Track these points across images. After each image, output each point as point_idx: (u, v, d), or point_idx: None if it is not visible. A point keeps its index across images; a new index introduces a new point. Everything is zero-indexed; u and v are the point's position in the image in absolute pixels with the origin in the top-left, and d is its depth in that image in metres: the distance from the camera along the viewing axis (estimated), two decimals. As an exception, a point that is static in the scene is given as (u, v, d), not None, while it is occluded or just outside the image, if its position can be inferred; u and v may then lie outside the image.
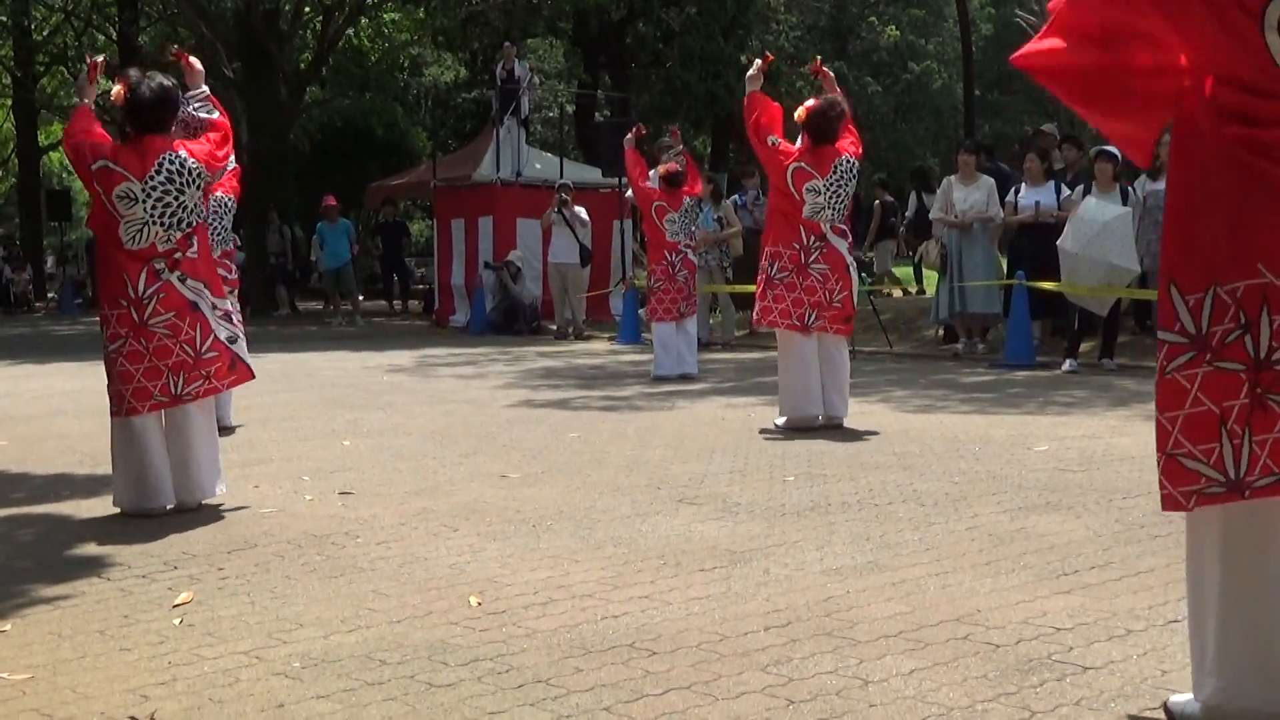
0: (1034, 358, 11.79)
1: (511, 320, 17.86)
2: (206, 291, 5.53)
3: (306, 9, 24.68)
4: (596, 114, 31.45)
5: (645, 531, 4.97)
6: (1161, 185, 10.99)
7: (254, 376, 5.91)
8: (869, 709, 3.04)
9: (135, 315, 5.36)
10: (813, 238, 7.79)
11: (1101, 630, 3.57)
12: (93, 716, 3.12)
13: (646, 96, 31.14)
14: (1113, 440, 7.11)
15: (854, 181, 7.97)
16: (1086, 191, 11.37)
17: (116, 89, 5.45)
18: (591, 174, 20.20)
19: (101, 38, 32.98)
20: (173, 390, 5.41)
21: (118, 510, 5.53)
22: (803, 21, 44.03)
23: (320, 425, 8.43)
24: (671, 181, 11.52)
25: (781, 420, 7.82)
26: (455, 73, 36.77)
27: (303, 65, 25.83)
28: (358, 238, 23.32)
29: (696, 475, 6.23)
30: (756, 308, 8.07)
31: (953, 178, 13.28)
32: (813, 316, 7.73)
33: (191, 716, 3.10)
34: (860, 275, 14.63)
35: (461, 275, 19.59)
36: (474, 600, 4.02)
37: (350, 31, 26.65)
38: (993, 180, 13.20)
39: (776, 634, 3.60)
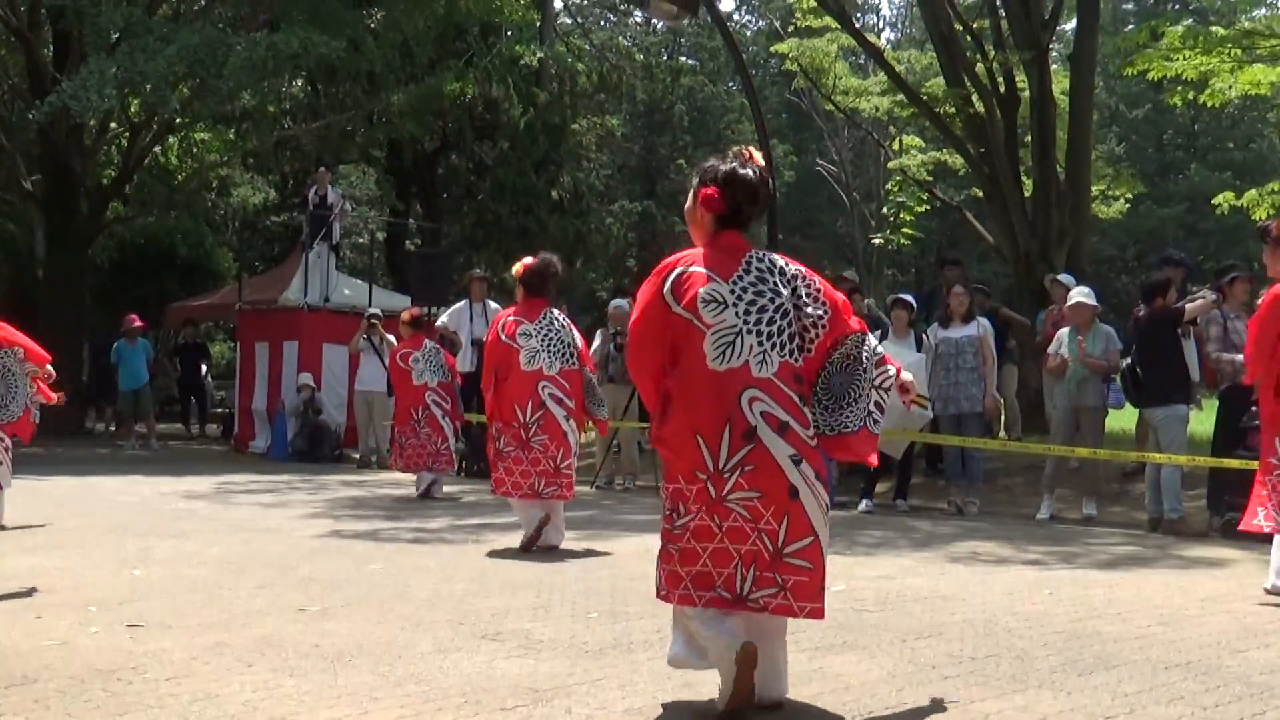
0: (832, 496, 12.05)
1: (315, 446, 17.57)
2: None
3: (113, 124, 24.22)
4: (408, 242, 31.46)
5: (446, 668, 4.91)
6: (953, 333, 11.50)
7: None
8: None
9: None
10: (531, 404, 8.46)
11: (894, 771, 3.64)
12: None
13: (458, 227, 31.31)
14: (906, 580, 7.32)
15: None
16: (883, 338, 11.79)
17: None
18: (401, 301, 20.13)
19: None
20: None
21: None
22: (613, 160, 45.01)
23: (109, 553, 8.12)
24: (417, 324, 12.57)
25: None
26: (265, 195, 36.43)
27: (106, 181, 25.27)
28: (156, 358, 22.74)
29: (500, 610, 6.19)
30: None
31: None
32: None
33: None
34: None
35: (264, 400, 19.23)
36: (268, 740, 3.91)
37: (157, 149, 26.22)
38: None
39: (577, 775, 3.59)
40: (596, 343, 14.30)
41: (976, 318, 11.73)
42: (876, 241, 38.39)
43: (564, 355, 8.48)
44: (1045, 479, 11.40)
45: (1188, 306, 10.53)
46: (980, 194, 19.45)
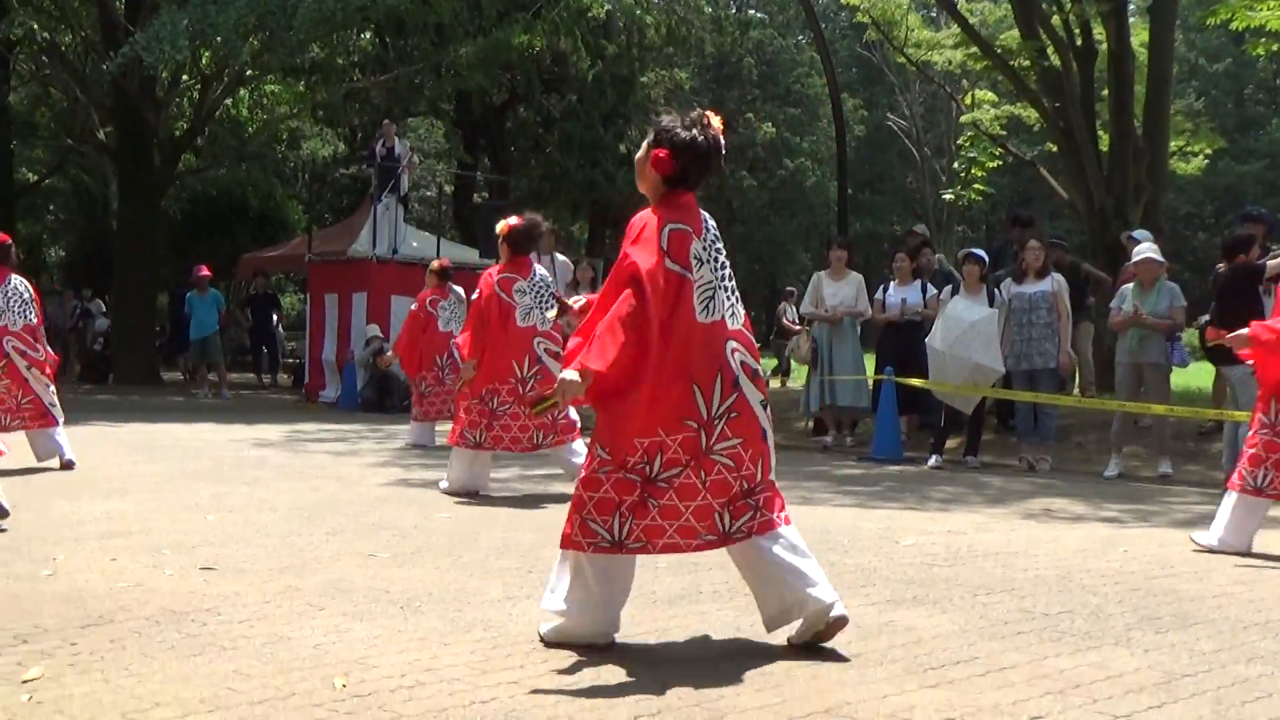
0: (901, 452, 12.00)
1: (384, 397, 17.68)
2: None
3: (185, 77, 24.40)
4: (475, 195, 31.52)
5: (515, 615, 4.91)
6: (1027, 289, 11.34)
7: None
8: (739, 800, 3.02)
9: None
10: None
11: (968, 724, 3.60)
12: (-67, 797, 2.98)
13: (525, 180, 31.33)
14: (977, 536, 7.24)
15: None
16: (954, 293, 11.66)
17: None
18: (469, 254, 20.20)
19: (-30, 96, 32.26)
20: None
21: (-34, 581, 5.32)
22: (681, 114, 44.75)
23: (182, 498, 8.22)
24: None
25: None
26: (334, 148, 36.63)
27: (178, 133, 25.49)
28: (227, 309, 22.98)
29: (567, 560, 6.18)
30: None
31: (822, 273, 13.53)
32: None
33: (39, 799, 2.97)
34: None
35: (333, 350, 19.38)
36: (339, 682, 3.92)
37: (229, 101, 26.40)
38: (861, 277, 13.49)
39: (647, 722, 3.58)
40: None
41: (1051, 273, 11.55)
42: (947, 197, 37.99)
43: (551, 308, 8.52)
44: (1113, 436, 11.24)
45: (1269, 264, 10.31)
46: (1055, 149, 19.13)
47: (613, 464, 4.29)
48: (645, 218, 4.33)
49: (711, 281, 4.32)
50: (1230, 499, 6.92)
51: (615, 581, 4.43)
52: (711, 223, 4.48)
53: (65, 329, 24.93)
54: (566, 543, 4.37)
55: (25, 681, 3.90)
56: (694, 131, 4.34)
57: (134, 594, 5.19)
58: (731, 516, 4.35)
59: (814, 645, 4.38)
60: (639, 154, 4.48)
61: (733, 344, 4.34)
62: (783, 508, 4.51)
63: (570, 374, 4.14)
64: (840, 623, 4.36)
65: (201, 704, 3.69)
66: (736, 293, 4.48)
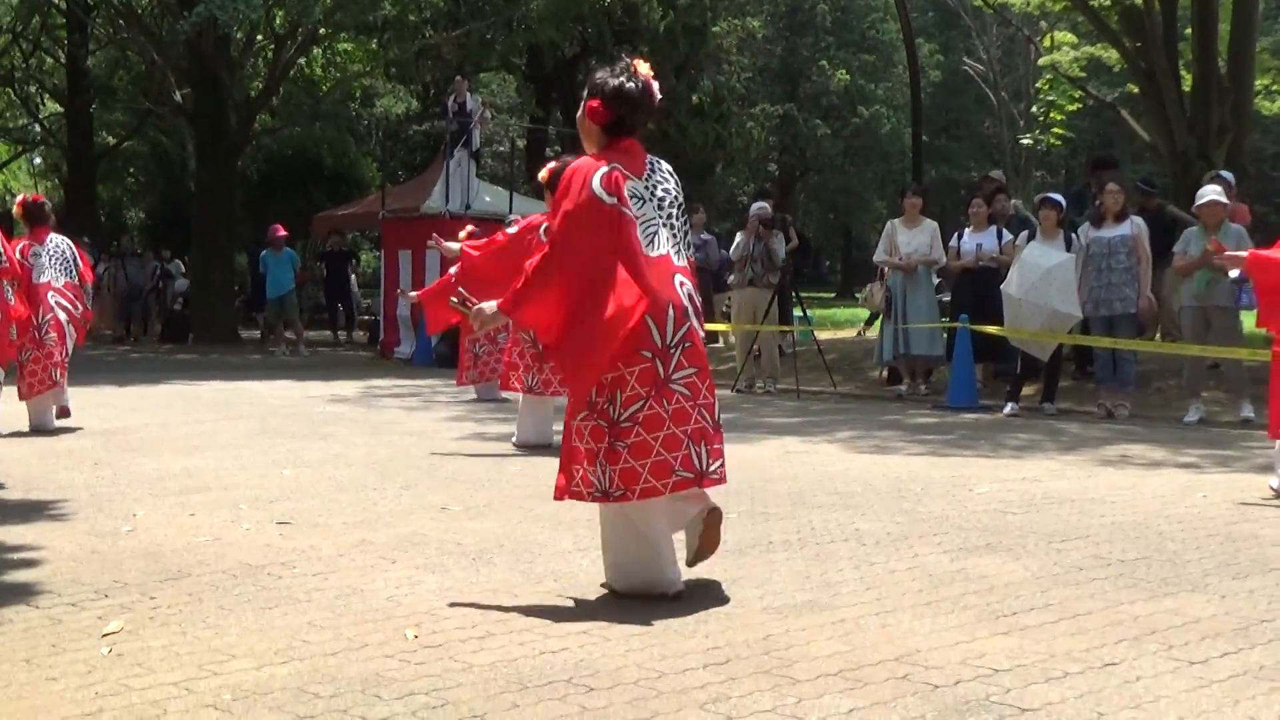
0: (977, 400, 11.88)
1: (458, 353, 17.77)
2: None
3: (259, 37, 24.57)
4: (548, 149, 31.50)
5: (586, 566, 4.93)
6: (1105, 233, 11.14)
7: None
8: (806, 748, 3.02)
9: None
10: None
11: (1039, 672, 3.57)
12: (15, 746, 3.04)
13: (598, 133, 31.24)
14: (1053, 484, 7.16)
15: None
16: (1030, 238, 11.48)
17: None
18: (542, 208, 20.19)
19: (50, 60, 32.71)
20: None
21: (47, 536, 5.43)
22: (754, 63, 44.42)
23: (259, 454, 8.33)
24: None
25: None
26: (407, 104, 36.76)
27: (253, 93, 25.70)
28: (304, 267, 23.20)
29: (639, 511, 6.20)
30: None
31: (896, 221, 13.39)
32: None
33: (117, 747, 3.03)
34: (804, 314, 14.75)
35: (408, 307, 19.49)
36: (411, 633, 3.97)
37: (302, 61, 26.55)
38: (935, 224, 13.33)
39: (715, 671, 3.58)
40: (738, 243, 14.19)
41: (1130, 217, 11.33)
42: (1025, 142, 37.46)
43: None
44: (1186, 382, 11.05)
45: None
46: (1136, 90, 18.74)
47: (582, 408, 4.43)
48: (576, 166, 4.48)
49: (654, 219, 4.47)
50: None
51: (633, 527, 4.44)
52: (665, 166, 4.65)
53: (146, 290, 25.34)
54: (560, 493, 4.54)
55: (105, 635, 3.97)
56: (622, 79, 4.52)
57: (211, 548, 5.27)
58: (710, 457, 4.41)
59: (702, 554, 4.57)
60: (579, 114, 4.65)
61: (679, 277, 4.47)
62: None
63: (490, 306, 4.53)
64: (716, 515, 4.51)
65: (276, 655, 3.75)
66: (685, 231, 4.61)
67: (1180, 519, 6.02)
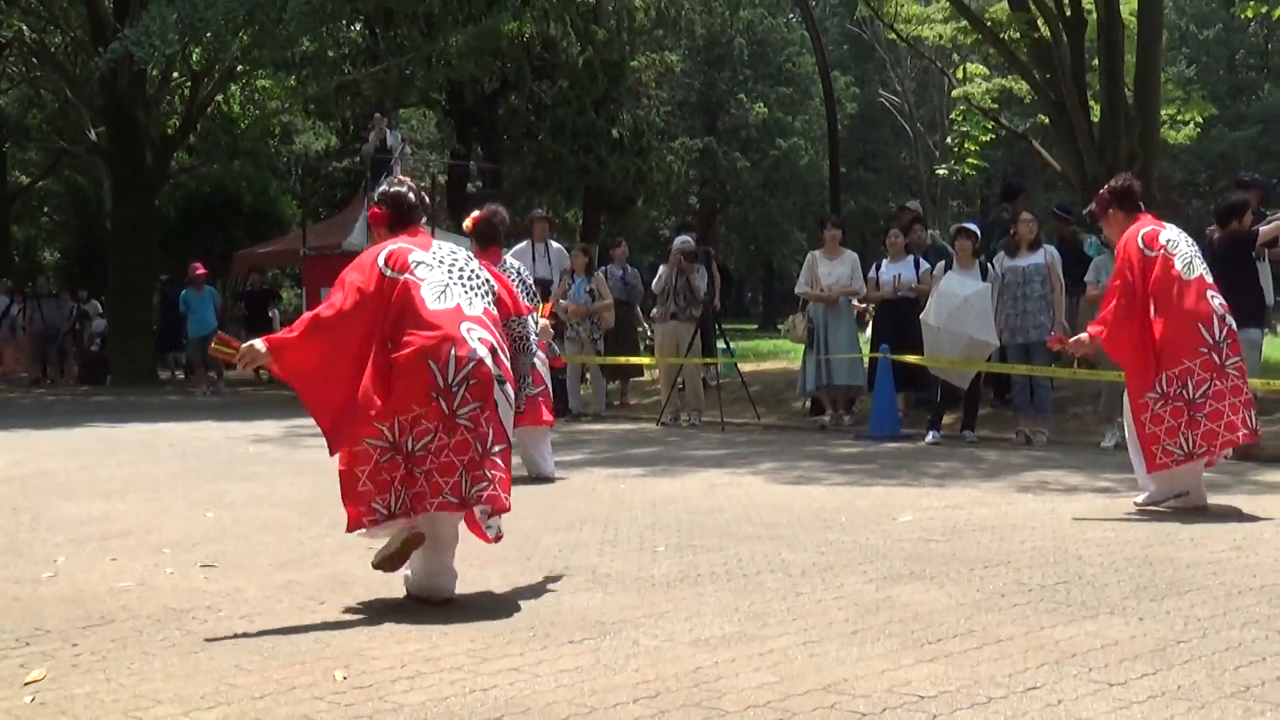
0: (898, 429, 12.01)
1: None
2: None
3: (175, 74, 24.36)
4: (469, 185, 31.49)
5: (514, 603, 4.94)
6: (1020, 261, 11.34)
7: None
8: (737, 779, 3.05)
9: None
10: None
11: (964, 698, 3.63)
12: (-63, 800, 3.00)
13: (518, 168, 31.29)
14: (974, 510, 7.27)
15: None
16: (947, 268, 11.65)
17: None
18: (462, 244, 20.18)
19: (-40, 99, 32.23)
20: None
21: (-32, 585, 5.34)
22: (673, 97, 44.73)
23: (182, 497, 8.24)
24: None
25: None
26: (327, 141, 36.59)
27: (170, 131, 25.46)
28: (224, 307, 22.97)
29: (566, 545, 6.22)
30: None
31: (817, 253, 13.52)
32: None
33: (43, 798, 3.00)
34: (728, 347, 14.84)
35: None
36: (340, 674, 3.95)
37: (220, 97, 26.35)
38: (855, 255, 13.49)
39: (645, 705, 3.60)
40: (660, 276, 14.25)
41: (1044, 246, 11.55)
42: (941, 172, 37.98)
43: (529, 297, 8.54)
44: (1103, 407, 11.26)
45: (1263, 229, 10.31)
46: (1047, 121, 19.11)
47: (380, 439, 4.95)
48: (368, 249, 5.30)
49: (443, 280, 5.10)
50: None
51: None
52: (451, 245, 5.45)
53: (63, 331, 24.94)
54: (354, 525, 5.04)
55: (28, 683, 3.93)
56: (397, 189, 5.48)
57: (135, 593, 5.22)
58: (471, 482, 4.90)
59: (386, 564, 5.06)
60: (366, 215, 5.71)
61: (468, 324, 5.01)
62: (509, 491, 5.08)
63: (260, 344, 5.13)
64: (418, 539, 4.98)
65: (203, 700, 3.72)
66: (483, 289, 5.23)
67: (1098, 543, 6.14)
